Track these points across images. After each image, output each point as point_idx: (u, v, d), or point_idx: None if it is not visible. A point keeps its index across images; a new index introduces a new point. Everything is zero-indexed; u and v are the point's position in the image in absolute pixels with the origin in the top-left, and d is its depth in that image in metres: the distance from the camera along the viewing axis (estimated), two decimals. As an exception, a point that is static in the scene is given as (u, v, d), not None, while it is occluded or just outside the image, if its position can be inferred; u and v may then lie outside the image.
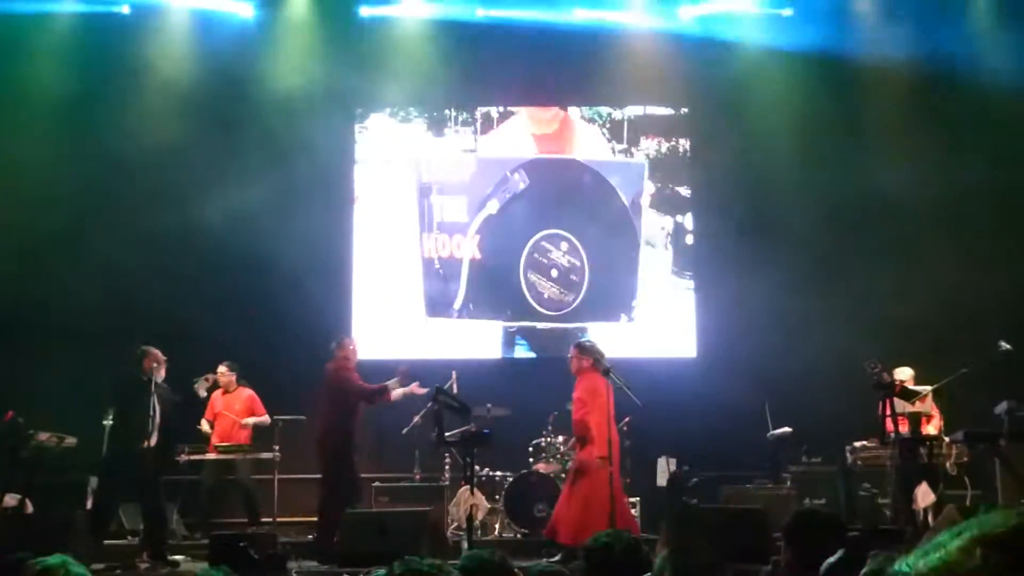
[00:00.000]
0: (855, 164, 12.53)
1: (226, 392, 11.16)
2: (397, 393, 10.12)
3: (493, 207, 13.28)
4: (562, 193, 13.33)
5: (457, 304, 13.17)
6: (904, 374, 10.31)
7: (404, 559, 2.53)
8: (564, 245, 13.23)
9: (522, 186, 13.29)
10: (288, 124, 12.38)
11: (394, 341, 12.70)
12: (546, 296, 13.21)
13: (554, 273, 13.23)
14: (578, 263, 13.22)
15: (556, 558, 8.76)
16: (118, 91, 12.47)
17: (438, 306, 13.15)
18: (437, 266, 13.22)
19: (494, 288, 13.21)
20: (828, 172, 12.48)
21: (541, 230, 13.23)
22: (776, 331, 11.91)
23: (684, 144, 13.33)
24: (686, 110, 13.37)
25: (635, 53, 13.06)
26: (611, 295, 13.17)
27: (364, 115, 13.36)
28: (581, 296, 13.19)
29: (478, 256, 13.20)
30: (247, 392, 11.22)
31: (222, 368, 11.08)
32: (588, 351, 9.71)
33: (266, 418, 11.03)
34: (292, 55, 12.87)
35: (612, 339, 11.82)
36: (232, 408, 11.10)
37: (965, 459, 10.00)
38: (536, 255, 13.23)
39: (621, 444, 10.80)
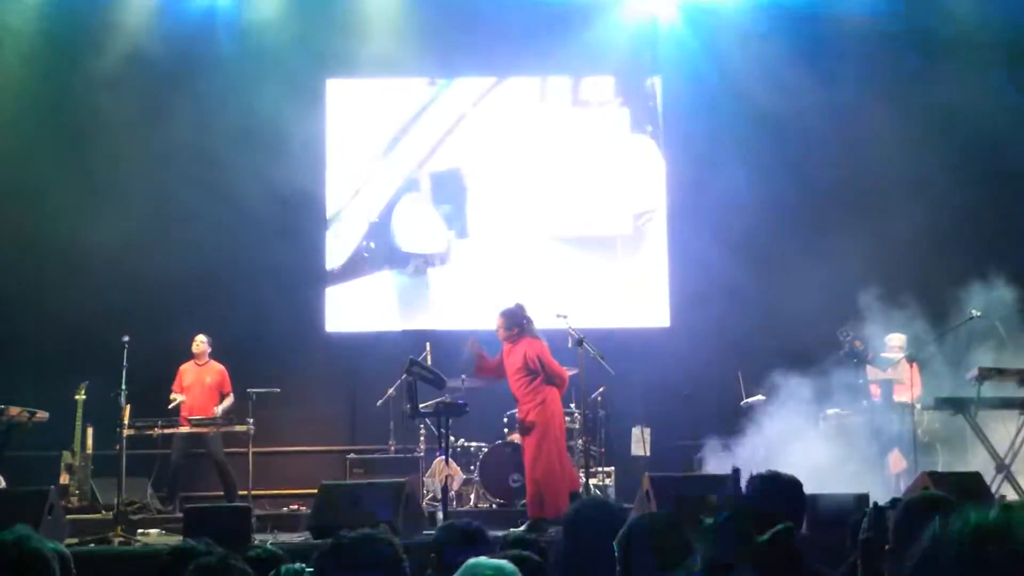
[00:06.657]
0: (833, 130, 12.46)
1: (198, 364, 11.06)
2: None
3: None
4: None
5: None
6: (895, 340, 10.33)
7: (355, 529, 2.54)
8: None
9: None
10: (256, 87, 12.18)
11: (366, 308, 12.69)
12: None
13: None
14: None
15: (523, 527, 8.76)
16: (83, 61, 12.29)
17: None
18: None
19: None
20: (806, 140, 12.39)
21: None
22: (749, 300, 11.92)
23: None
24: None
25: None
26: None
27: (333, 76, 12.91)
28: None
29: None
30: (218, 366, 11.11)
31: (200, 337, 11.03)
32: (511, 317, 9.52)
33: (231, 398, 10.96)
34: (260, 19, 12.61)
35: (586, 310, 11.77)
36: (203, 382, 10.99)
37: (936, 425, 10.08)
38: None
39: (596, 414, 10.88)
